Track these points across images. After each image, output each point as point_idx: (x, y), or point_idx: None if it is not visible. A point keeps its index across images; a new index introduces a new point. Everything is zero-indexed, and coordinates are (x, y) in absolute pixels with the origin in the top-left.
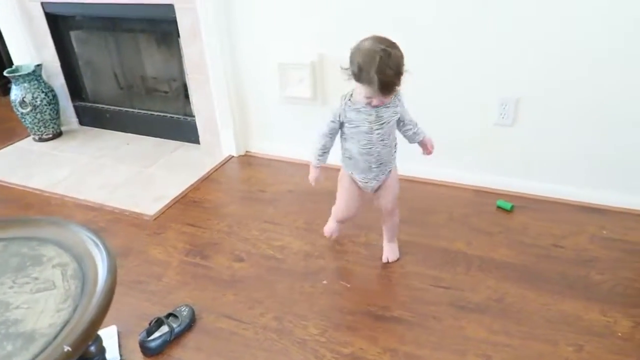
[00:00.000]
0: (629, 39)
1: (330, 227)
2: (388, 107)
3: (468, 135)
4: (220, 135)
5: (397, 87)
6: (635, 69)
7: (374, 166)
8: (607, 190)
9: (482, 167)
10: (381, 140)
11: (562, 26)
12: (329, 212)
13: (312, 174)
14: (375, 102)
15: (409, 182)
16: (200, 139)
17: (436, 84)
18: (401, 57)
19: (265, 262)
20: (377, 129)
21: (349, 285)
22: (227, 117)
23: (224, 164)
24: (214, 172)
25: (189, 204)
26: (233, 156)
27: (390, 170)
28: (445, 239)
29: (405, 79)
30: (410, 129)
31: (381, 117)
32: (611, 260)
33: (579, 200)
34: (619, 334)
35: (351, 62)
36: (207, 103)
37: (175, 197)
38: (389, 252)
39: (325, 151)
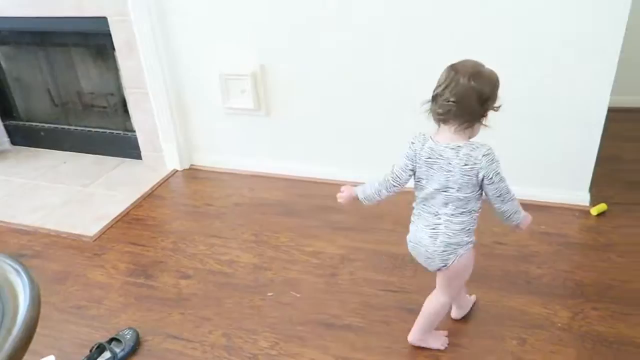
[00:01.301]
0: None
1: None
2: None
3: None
4: (163, 150)
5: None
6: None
7: None
8: (545, 188)
9: None
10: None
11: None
12: (278, 222)
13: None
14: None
15: None
16: (142, 154)
17: (373, 91)
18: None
19: (213, 277)
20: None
21: (299, 295)
22: (169, 130)
23: (168, 178)
24: (157, 187)
25: (132, 222)
26: (177, 170)
27: None
28: (393, 243)
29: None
30: None
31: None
32: (550, 255)
33: (519, 198)
34: (559, 325)
35: (494, 89)
36: (147, 117)
37: (117, 216)
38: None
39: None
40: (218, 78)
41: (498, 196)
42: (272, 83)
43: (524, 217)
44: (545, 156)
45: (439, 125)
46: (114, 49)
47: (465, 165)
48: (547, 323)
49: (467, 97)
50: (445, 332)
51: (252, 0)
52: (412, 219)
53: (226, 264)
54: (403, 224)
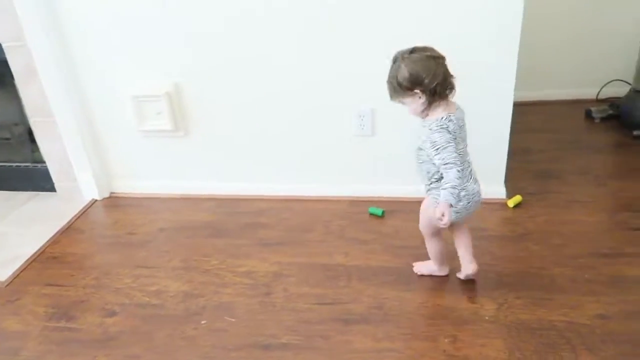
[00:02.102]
0: None
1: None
2: (423, 126)
3: (334, 149)
4: (78, 179)
5: (391, 93)
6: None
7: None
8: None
9: (352, 178)
10: (418, 162)
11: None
12: (206, 244)
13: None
14: (410, 110)
15: (284, 202)
16: (56, 185)
17: (294, 103)
18: (404, 73)
19: (141, 311)
20: (417, 150)
21: (233, 320)
22: (82, 159)
23: (87, 210)
24: (75, 220)
25: (49, 261)
26: (96, 200)
27: (427, 195)
28: (324, 254)
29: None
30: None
31: (420, 137)
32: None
33: None
34: (486, 318)
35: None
36: (57, 146)
37: (31, 256)
38: (468, 269)
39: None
40: (130, 100)
41: None
42: (189, 102)
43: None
44: None
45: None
46: (12, 76)
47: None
48: (476, 317)
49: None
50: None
51: (157, 18)
52: (465, 176)
53: (154, 295)
54: (332, 234)
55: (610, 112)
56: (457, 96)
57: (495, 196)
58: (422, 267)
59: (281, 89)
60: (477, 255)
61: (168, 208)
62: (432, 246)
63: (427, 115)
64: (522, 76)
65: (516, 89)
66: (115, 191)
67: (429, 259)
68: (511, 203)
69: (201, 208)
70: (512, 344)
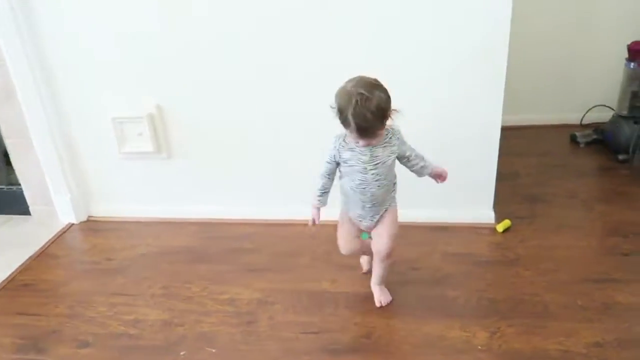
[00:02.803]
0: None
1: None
2: (384, 146)
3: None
4: (55, 203)
5: (377, 130)
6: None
7: (367, 205)
8: (452, 209)
9: (339, 201)
10: (376, 181)
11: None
12: (188, 271)
13: (312, 215)
14: (362, 143)
15: (269, 226)
16: (31, 209)
17: (277, 127)
18: (385, 99)
19: (116, 342)
20: (372, 169)
21: (214, 351)
22: (60, 181)
23: (62, 234)
24: (49, 245)
25: (19, 289)
26: (73, 224)
27: (386, 210)
28: (311, 280)
29: (397, 119)
30: (417, 163)
31: (376, 156)
32: (462, 275)
33: (426, 221)
34: (479, 347)
35: (335, 102)
36: (34, 168)
37: (1, 283)
38: (381, 295)
39: (324, 191)
40: (111, 122)
41: None
42: (172, 124)
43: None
44: (449, 179)
45: None
46: None
47: None
48: (468, 346)
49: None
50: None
51: (140, 39)
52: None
53: (131, 325)
54: (320, 259)
55: (595, 136)
56: (446, 120)
57: (484, 220)
58: (387, 294)
59: (267, 112)
60: (467, 281)
61: (149, 232)
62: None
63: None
64: (508, 100)
65: (502, 113)
66: (94, 215)
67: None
68: (500, 228)
69: (184, 232)
70: None
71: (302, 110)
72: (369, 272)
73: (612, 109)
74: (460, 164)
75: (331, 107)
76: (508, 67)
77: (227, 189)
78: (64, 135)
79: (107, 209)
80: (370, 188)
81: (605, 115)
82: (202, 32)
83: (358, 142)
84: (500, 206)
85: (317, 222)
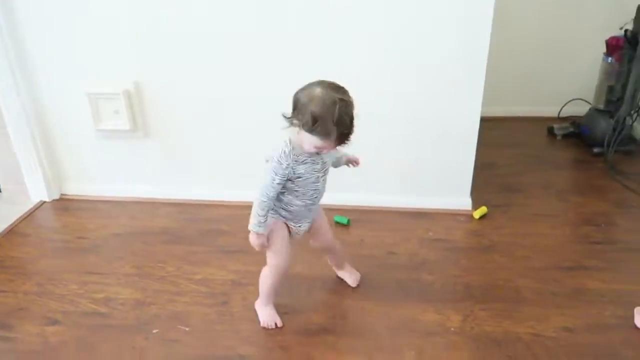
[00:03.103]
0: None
1: (269, 315)
2: (330, 152)
3: None
4: (26, 180)
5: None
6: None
7: (312, 209)
8: (431, 196)
9: None
10: (324, 186)
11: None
12: (162, 251)
13: (258, 241)
14: (326, 150)
15: (246, 209)
16: (2, 187)
17: (256, 108)
18: (353, 103)
19: (87, 320)
20: (323, 176)
21: (187, 329)
22: (32, 160)
23: (33, 212)
24: (19, 223)
25: None
26: (45, 202)
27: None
28: None
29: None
30: (339, 157)
31: (325, 162)
32: (439, 260)
33: (405, 207)
34: (452, 330)
35: (301, 111)
36: (4, 146)
37: None
38: (353, 277)
39: (267, 215)
40: (86, 98)
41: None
42: (149, 101)
43: (251, 228)
44: (428, 167)
45: None
46: None
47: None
48: (441, 329)
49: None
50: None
51: (117, 13)
52: None
53: (102, 303)
54: (296, 243)
55: (572, 129)
56: (428, 111)
57: (461, 207)
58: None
59: (246, 92)
60: (444, 266)
61: (123, 212)
62: None
63: None
64: (487, 92)
65: (482, 104)
66: (67, 193)
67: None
68: (477, 214)
69: (159, 213)
70: (478, 356)
71: (282, 91)
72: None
73: (589, 103)
74: (440, 153)
75: (285, 116)
76: (488, 60)
77: (204, 170)
78: (37, 112)
79: (81, 187)
80: (321, 194)
81: (582, 109)
82: (181, 8)
83: (322, 150)
84: (478, 194)
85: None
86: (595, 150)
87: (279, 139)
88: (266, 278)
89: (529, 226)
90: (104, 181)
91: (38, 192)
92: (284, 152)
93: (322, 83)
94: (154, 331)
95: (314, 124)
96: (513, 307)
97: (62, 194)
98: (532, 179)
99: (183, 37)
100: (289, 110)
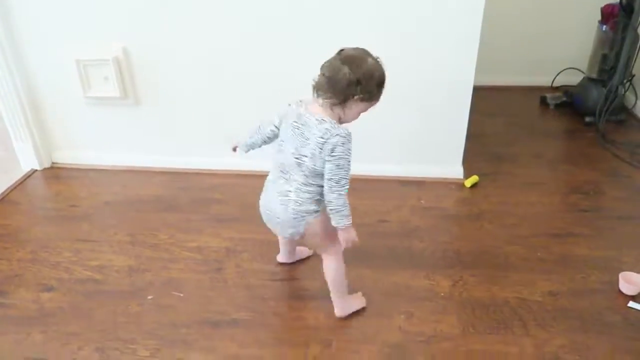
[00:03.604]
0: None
1: (355, 300)
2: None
3: None
4: (16, 149)
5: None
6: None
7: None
8: (423, 165)
9: None
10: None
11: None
12: (156, 219)
13: (351, 235)
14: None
15: (240, 177)
16: None
17: (249, 75)
18: None
19: (81, 286)
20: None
21: (182, 295)
22: (21, 127)
23: (24, 180)
24: (11, 191)
25: None
26: (36, 170)
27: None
28: None
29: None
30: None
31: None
32: (430, 228)
33: (397, 176)
34: (442, 295)
35: (367, 83)
36: None
37: None
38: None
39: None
40: (75, 65)
41: (329, 179)
42: (139, 68)
43: (345, 227)
44: (421, 136)
45: (315, 96)
46: None
47: (321, 138)
48: (431, 294)
49: (336, 77)
50: (360, 293)
51: None
52: (265, 184)
53: (96, 270)
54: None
55: (564, 99)
56: (421, 80)
57: (453, 176)
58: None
59: (239, 59)
60: (434, 233)
61: (115, 181)
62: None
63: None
64: (480, 62)
65: (475, 73)
66: (58, 162)
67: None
68: (468, 183)
69: (151, 182)
70: (465, 320)
71: (276, 58)
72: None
73: (583, 72)
74: (433, 122)
75: (348, 93)
76: (482, 29)
77: (197, 138)
78: (26, 79)
79: (72, 155)
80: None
81: (576, 79)
82: None
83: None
84: (469, 163)
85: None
86: (587, 119)
87: (273, 107)
88: (337, 269)
89: (518, 194)
90: (95, 149)
91: (29, 160)
92: (346, 130)
93: (362, 51)
94: (149, 297)
95: (376, 89)
96: (501, 273)
97: (53, 163)
98: (523, 148)
99: (173, 1)
100: (279, 78)
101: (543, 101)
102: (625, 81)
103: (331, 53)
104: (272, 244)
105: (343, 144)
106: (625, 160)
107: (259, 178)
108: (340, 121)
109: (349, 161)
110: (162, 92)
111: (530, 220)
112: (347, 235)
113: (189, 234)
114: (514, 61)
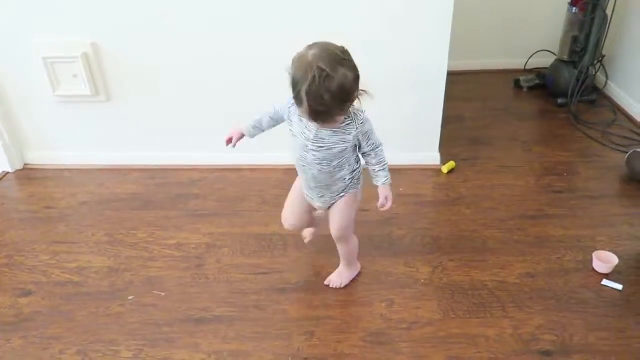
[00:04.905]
0: None
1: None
2: (335, 132)
3: None
4: None
5: (335, 116)
6: None
7: (312, 185)
8: (400, 152)
9: (287, 145)
10: (317, 164)
11: None
12: (134, 217)
13: (230, 134)
14: (314, 125)
15: (217, 172)
16: None
17: (225, 67)
18: (352, 80)
19: (60, 289)
20: (313, 150)
21: (163, 294)
22: None
23: None
24: None
25: None
26: (8, 172)
27: (341, 196)
28: (260, 223)
29: (364, 101)
30: (372, 164)
31: (322, 139)
32: (409, 215)
33: None
34: (422, 281)
35: (291, 70)
36: None
37: None
38: (335, 275)
39: (257, 126)
40: (42, 63)
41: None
42: (109, 64)
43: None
44: (396, 123)
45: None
46: None
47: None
48: (411, 281)
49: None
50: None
51: None
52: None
53: (75, 272)
54: (269, 204)
55: (537, 81)
56: (394, 66)
57: (430, 162)
58: (344, 278)
59: (212, 51)
60: (413, 220)
61: (91, 180)
62: (353, 244)
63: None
64: (453, 46)
65: (449, 58)
66: (30, 163)
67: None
68: (445, 169)
69: (128, 180)
70: (446, 305)
71: (250, 51)
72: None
73: (555, 54)
74: (408, 109)
75: (287, 72)
76: (454, 13)
77: (171, 134)
78: None
79: (45, 156)
80: (311, 169)
81: (549, 61)
82: None
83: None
84: (446, 148)
85: (233, 143)
86: (560, 101)
87: (248, 100)
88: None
89: (495, 178)
90: (69, 149)
91: (0, 162)
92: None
93: (320, 45)
94: (130, 298)
95: (293, 89)
96: (479, 257)
97: (25, 164)
98: (498, 131)
99: None
100: (254, 70)
101: (517, 84)
102: (595, 62)
103: (307, 37)
104: (252, 237)
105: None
106: (597, 140)
107: (237, 172)
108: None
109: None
110: (135, 88)
111: (507, 204)
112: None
113: (168, 231)
114: (487, 45)
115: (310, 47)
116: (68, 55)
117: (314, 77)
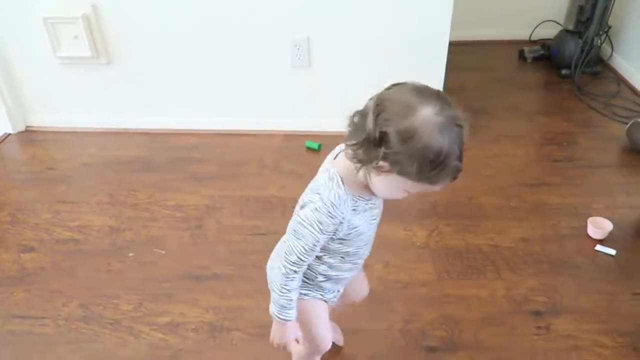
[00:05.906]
0: None
1: None
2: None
3: (269, 81)
4: None
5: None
6: None
7: (366, 254)
8: None
9: (288, 111)
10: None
11: None
12: (135, 179)
13: (282, 333)
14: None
15: (217, 136)
16: None
17: (226, 31)
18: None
19: (62, 246)
20: (376, 221)
21: (163, 252)
22: None
23: None
24: None
25: None
26: (10, 134)
27: None
28: (259, 187)
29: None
30: None
31: (380, 202)
32: None
33: None
34: (418, 244)
35: (399, 149)
36: None
37: None
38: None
39: (294, 305)
40: (43, 23)
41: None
42: (110, 25)
43: (273, 315)
44: None
45: None
46: None
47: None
48: (408, 244)
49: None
50: None
51: None
52: None
53: (76, 230)
54: (269, 167)
55: (542, 52)
56: (397, 35)
57: None
58: None
59: (214, 14)
60: None
61: (92, 143)
62: None
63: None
64: (457, 16)
65: (451, 28)
66: (32, 125)
67: None
68: None
69: (129, 143)
70: (440, 266)
71: (251, 14)
72: None
73: (560, 25)
74: (409, 78)
75: (361, 147)
76: None
77: (173, 98)
78: None
79: (46, 118)
80: (370, 240)
81: (554, 31)
82: None
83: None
84: None
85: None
86: (564, 72)
87: (251, 64)
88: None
89: (495, 147)
90: (70, 112)
91: (2, 124)
92: (338, 196)
93: (422, 91)
94: (130, 255)
95: (432, 170)
96: (475, 222)
97: (27, 126)
98: (500, 101)
99: None
100: (255, 34)
101: (521, 55)
102: (601, 33)
103: (309, 5)
104: (251, 200)
105: (314, 210)
106: (599, 111)
107: (237, 137)
108: (368, 189)
109: (314, 239)
110: (135, 50)
111: (506, 172)
112: (276, 333)
113: (168, 193)
114: (491, 15)
115: (408, 106)
116: (68, 15)
117: (461, 137)
